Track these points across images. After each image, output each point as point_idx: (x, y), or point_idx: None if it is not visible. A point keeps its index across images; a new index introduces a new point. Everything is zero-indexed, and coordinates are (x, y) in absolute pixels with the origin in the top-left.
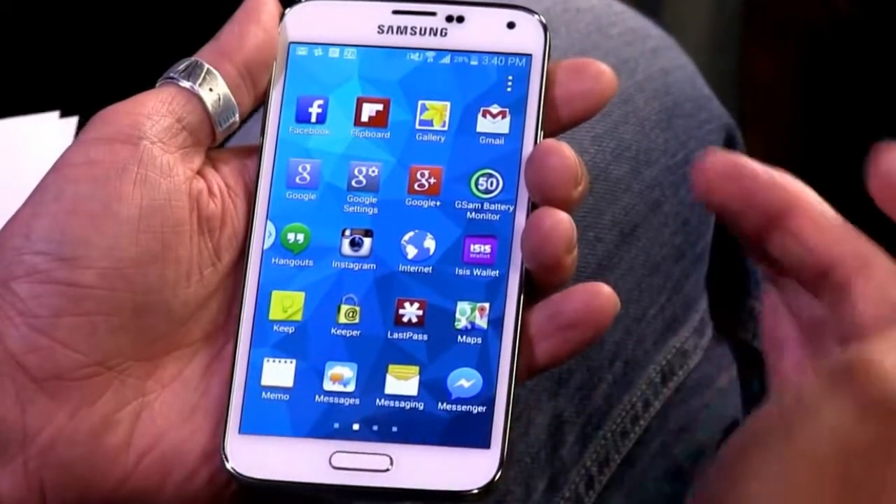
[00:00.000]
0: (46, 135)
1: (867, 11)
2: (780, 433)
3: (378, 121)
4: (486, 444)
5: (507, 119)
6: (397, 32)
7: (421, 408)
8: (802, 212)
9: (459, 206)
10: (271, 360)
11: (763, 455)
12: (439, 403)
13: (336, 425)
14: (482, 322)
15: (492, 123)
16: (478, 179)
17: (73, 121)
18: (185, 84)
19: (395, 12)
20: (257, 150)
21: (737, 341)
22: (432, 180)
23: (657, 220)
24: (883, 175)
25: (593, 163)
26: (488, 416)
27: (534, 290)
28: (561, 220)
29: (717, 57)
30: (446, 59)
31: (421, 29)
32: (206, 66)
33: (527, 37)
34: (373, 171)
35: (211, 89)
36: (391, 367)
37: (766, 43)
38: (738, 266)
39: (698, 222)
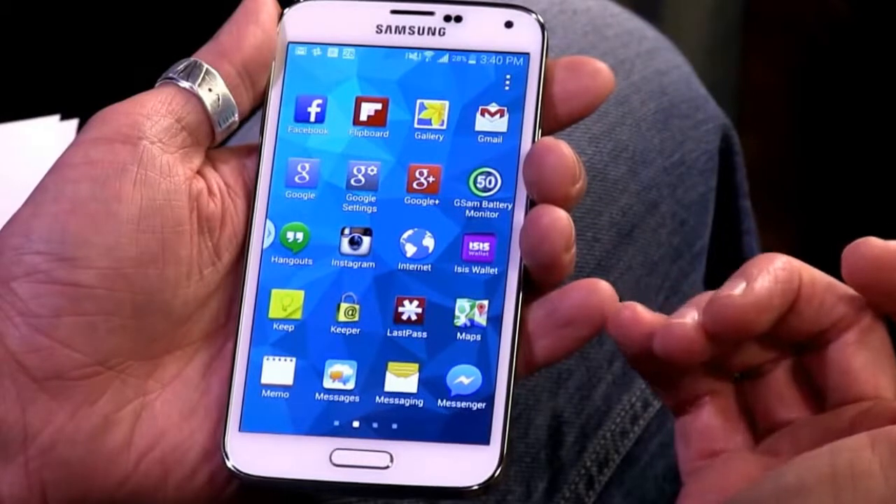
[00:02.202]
0: (47, 138)
1: (864, 16)
2: (825, 495)
3: (377, 120)
4: (485, 441)
5: (506, 117)
6: (396, 32)
7: (420, 405)
8: None
9: (458, 204)
10: (271, 358)
11: None
12: (439, 400)
13: (336, 423)
14: (481, 319)
15: (490, 122)
16: (476, 178)
17: (73, 123)
18: (185, 84)
19: (394, 12)
20: (256, 150)
21: None
22: (431, 179)
23: (654, 221)
24: (854, 264)
25: (591, 164)
26: (488, 413)
27: (532, 287)
28: (559, 218)
29: (716, 60)
30: (444, 59)
31: (419, 28)
32: (205, 66)
33: (524, 36)
34: (372, 170)
35: (210, 89)
36: (391, 365)
37: (763, 47)
38: (735, 266)
39: (696, 222)
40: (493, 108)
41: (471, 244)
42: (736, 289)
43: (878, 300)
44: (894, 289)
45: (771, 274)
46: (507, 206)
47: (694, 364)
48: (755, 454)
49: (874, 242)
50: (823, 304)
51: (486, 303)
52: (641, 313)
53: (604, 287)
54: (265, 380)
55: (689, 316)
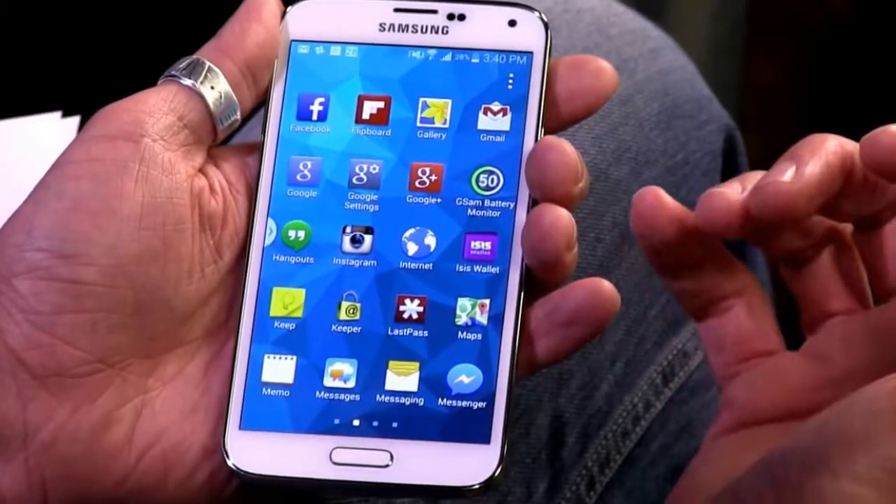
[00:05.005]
0: (48, 135)
1: (866, 16)
2: (893, 444)
3: (379, 118)
4: (486, 440)
5: (508, 116)
6: (398, 30)
7: (421, 404)
8: None
9: (460, 203)
10: (272, 356)
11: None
12: (439, 399)
13: (336, 421)
14: (482, 318)
15: (493, 121)
16: (478, 177)
17: (74, 121)
18: (187, 82)
19: (397, 10)
20: (258, 148)
21: None
22: (433, 177)
23: None
24: (873, 151)
25: (594, 164)
26: (488, 412)
27: (534, 286)
28: (561, 217)
29: (719, 60)
30: (447, 57)
31: (422, 27)
32: (208, 63)
33: (528, 34)
34: (374, 169)
35: (212, 87)
36: (391, 364)
37: (767, 47)
38: None
39: None
40: (495, 106)
41: (472, 243)
42: (785, 174)
43: None
44: None
45: (822, 158)
46: (510, 205)
47: (731, 236)
48: (805, 357)
49: (892, 129)
50: (877, 186)
51: (487, 302)
52: (664, 197)
53: (606, 287)
54: (266, 378)
55: (734, 189)
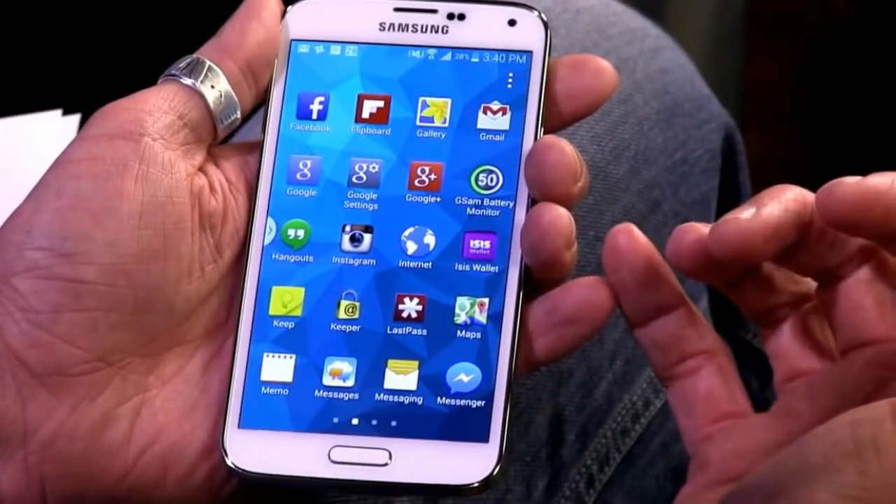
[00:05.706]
0: (49, 133)
1: (867, 15)
2: (850, 472)
3: (379, 117)
4: (484, 439)
5: (508, 115)
6: (398, 30)
7: (420, 402)
8: None
9: (459, 202)
10: (271, 355)
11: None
12: (438, 398)
13: (335, 420)
14: (481, 317)
15: (492, 120)
16: (478, 176)
17: (75, 119)
18: (187, 81)
19: (397, 9)
20: (258, 147)
21: (736, 340)
22: (433, 176)
23: (657, 220)
24: (828, 207)
25: (593, 162)
26: (487, 411)
27: (533, 285)
28: (560, 216)
29: (719, 59)
30: (447, 56)
31: (422, 26)
32: (208, 62)
33: (528, 34)
34: (373, 168)
35: (213, 86)
36: (390, 362)
37: (767, 45)
38: None
39: (698, 222)
40: (495, 105)
41: (472, 242)
42: (744, 213)
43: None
44: (873, 226)
45: (782, 203)
46: (509, 204)
47: (698, 272)
48: (773, 417)
49: (847, 182)
50: (836, 239)
51: (486, 301)
52: (637, 233)
53: (605, 286)
54: (265, 377)
55: (698, 228)
